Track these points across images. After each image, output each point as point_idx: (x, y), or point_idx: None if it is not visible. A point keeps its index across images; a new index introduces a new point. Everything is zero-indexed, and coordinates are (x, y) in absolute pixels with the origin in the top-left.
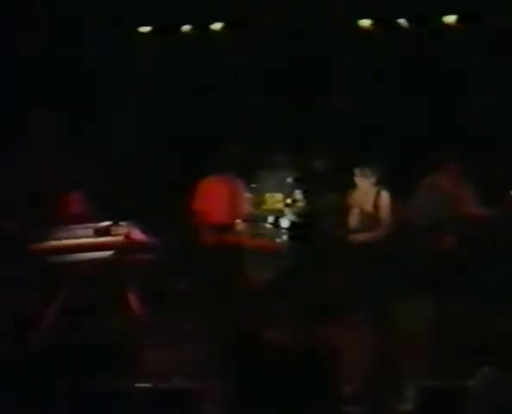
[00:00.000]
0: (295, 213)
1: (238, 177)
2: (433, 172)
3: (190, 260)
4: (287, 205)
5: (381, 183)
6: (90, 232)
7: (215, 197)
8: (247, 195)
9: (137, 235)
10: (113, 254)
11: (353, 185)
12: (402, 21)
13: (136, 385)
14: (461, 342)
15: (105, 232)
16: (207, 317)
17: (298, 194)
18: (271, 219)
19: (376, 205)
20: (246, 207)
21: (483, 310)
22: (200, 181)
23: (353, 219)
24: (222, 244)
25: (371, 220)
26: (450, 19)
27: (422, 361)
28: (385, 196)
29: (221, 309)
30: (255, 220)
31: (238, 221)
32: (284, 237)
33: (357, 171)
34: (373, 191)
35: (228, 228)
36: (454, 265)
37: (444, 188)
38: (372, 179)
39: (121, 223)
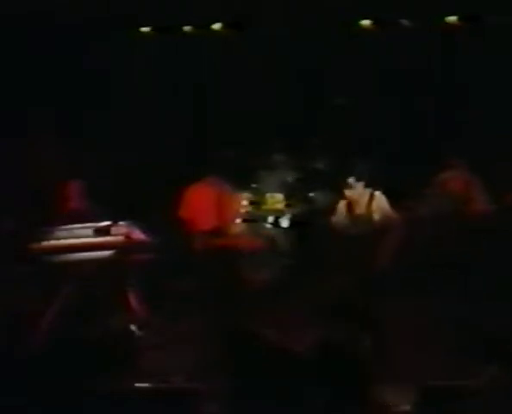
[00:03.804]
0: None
1: (226, 180)
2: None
3: (188, 260)
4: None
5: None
6: (90, 232)
7: (202, 204)
8: (236, 198)
9: (137, 235)
10: (113, 254)
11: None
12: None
13: (136, 385)
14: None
15: (105, 232)
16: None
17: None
18: (271, 219)
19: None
20: (235, 210)
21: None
22: (186, 188)
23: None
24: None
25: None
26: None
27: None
28: (380, 197)
29: (222, 309)
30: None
31: (226, 225)
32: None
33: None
34: (366, 193)
35: (216, 233)
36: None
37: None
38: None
39: (121, 223)
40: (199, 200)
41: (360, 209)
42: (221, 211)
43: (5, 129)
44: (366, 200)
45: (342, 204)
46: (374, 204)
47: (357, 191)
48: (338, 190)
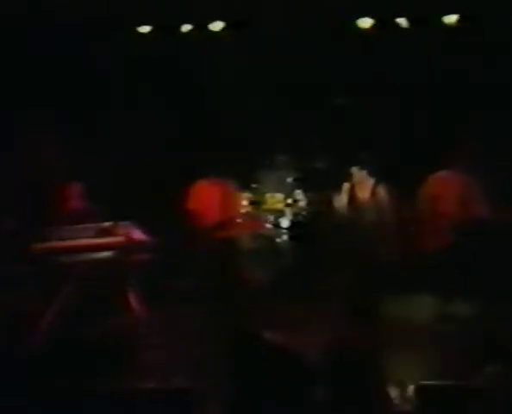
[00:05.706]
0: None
1: (230, 179)
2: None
3: (188, 260)
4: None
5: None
6: (91, 232)
7: (208, 199)
8: (239, 197)
9: (137, 234)
10: (113, 254)
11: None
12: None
13: (136, 385)
14: None
15: (105, 232)
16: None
17: (298, 194)
18: (271, 219)
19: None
20: (238, 209)
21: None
22: (194, 183)
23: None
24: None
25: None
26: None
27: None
28: (383, 188)
29: (222, 308)
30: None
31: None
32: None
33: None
34: (370, 182)
35: (219, 227)
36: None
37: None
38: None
39: (121, 223)
40: (206, 196)
41: (364, 194)
42: (226, 207)
43: (5, 129)
44: (371, 187)
45: (346, 187)
46: (378, 193)
47: (360, 176)
48: (338, 188)
